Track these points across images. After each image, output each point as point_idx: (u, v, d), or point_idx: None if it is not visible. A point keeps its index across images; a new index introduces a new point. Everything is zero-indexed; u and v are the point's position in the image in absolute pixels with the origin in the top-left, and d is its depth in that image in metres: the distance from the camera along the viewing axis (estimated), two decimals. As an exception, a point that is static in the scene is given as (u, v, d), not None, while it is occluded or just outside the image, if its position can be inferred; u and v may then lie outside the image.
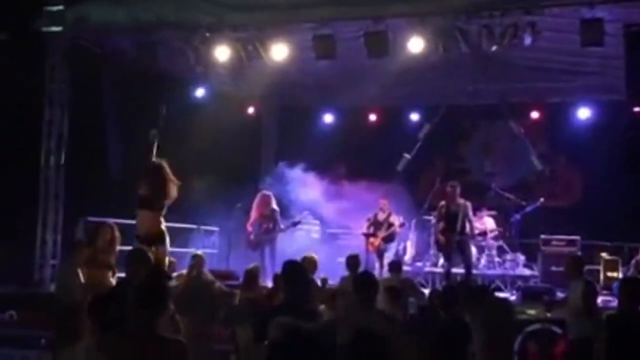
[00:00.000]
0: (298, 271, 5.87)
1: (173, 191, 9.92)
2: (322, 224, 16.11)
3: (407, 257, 15.16)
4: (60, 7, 12.61)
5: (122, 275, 7.97)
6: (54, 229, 12.65)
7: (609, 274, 13.42)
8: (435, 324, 7.30)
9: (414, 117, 17.69)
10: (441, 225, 13.06)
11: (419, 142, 16.91)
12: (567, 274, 9.19)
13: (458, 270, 13.25)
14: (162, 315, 4.36)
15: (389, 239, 13.98)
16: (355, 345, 1.96)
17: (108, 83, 13.39)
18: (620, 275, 13.07)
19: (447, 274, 13.10)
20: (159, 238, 9.66)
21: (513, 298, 12.42)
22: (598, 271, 13.38)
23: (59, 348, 8.27)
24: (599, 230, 14.42)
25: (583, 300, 8.51)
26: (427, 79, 14.56)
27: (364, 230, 14.09)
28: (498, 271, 14.56)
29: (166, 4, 12.32)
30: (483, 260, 14.79)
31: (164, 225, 9.89)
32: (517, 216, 14.88)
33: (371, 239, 13.91)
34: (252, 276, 9.79)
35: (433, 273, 14.49)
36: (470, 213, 13.05)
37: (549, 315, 10.18)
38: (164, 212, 9.93)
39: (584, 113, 16.38)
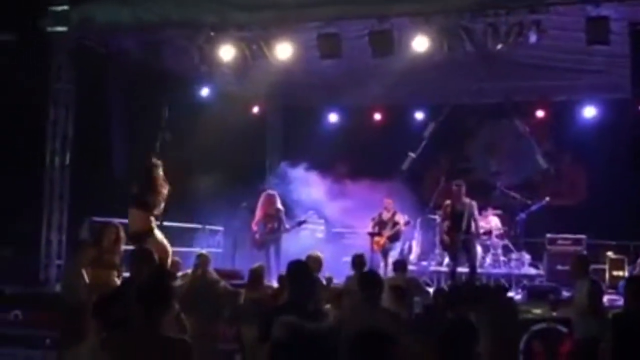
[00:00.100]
0: (303, 271, 5.86)
1: (163, 192, 10.08)
2: (327, 224, 16.11)
3: (413, 257, 15.15)
4: (65, 7, 12.61)
5: (128, 275, 7.98)
6: (58, 229, 12.66)
7: (615, 273, 13.41)
8: (441, 324, 7.28)
9: (419, 116, 17.66)
10: (446, 224, 13.05)
11: (424, 141, 16.91)
12: (573, 273, 9.18)
13: (463, 269, 13.23)
14: (166, 314, 4.36)
15: (394, 238, 13.97)
16: (360, 345, 1.94)
17: (113, 83, 13.39)
18: (626, 274, 13.05)
19: (453, 273, 13.09)
20: (146, 236, 9.72)
21: (518, 297, 12.40)
22: (604, 270, 13.37)
23: (64, 348, 8.27)
24: (605, 229, 14.39)
25: (589, 299, 8.50)
26: (432, 78, 14.51)
27: (369, 229, 14.08)
28: (503, 270, 14.54)
29: (170, 3, 12.32)
30: (488, 259, 14.77)
31: (154, 223, 10.06)
32: (523, 215, 14.85)
33: (376, 238, 13.89)
34: (257, 276, 9.79)
35: (438, 272, 14.48)
36: (476, 212, 13.04)
37: (554, 314, 10.15)
38: (155, 211, 10.06)
39: (589, 112, 16.34)
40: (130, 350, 4.25)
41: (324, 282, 9.73)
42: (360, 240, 14.52)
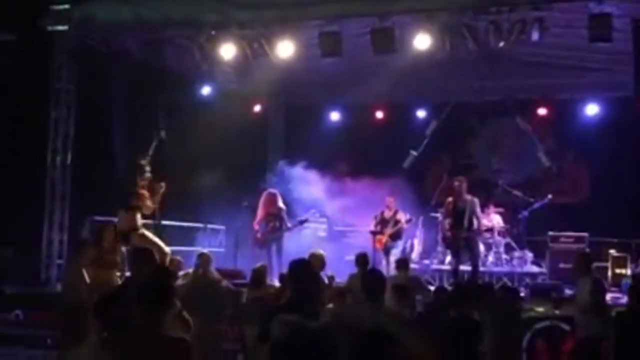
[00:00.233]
0: (305, 269, 5.83)
1: (143, 193, 10.47)
2: (329, 222, 16.08)
3: (415, 255, 15.12)
4: (66, 6, 12.60)
5: (129, 274, 7.97)
6: (60, 229, 12.65)
7: (617, 270, 13.40)
8: (443, 322, 7.26)
9: (421, 114, 17.62)
10: (448, 221, 13.03)
11: (426, 139, 16.88)
12: (576, 271, 9.16)
13: (466, 267, 13.21)
14: (167, 313, 4.33)
15: (395, 236, 13.94)
16: (361, 345, 1.92)
17: (114, 82, 13.37)
18: (629, 272, 13.03)
19: (455, 272, 13.06)
20: (130, 236, 9.96)
21: (521, 295, 12.37)
22: (606, 268, 13.35)
23: (65, 348, 8.28)
24: (607, 227, 14.35)
25: (591, 297, 8.48)
26: (434, 75, 14.49)
27: (371, 227, 14.06)
28: (506, 268, 14.51)
29: (171, 2, 12.31)
30: (491, 258, 14.73)
31: (140, 223, 10.39)
32: (525, 213, 14.82)
33: (378, 237, 13.86)
34: (259, 275, 9.77)
35: (440, 270, 14.46)
36: (478, 209, 13.01)
37: (557, 312, 10.13)
38: (143, 211, 10.47)
39: (592, 109, 16.29)
40: (131, 350, 4.23)
41: (326, 280, 9.70)
42: (362, 239, 14.49)
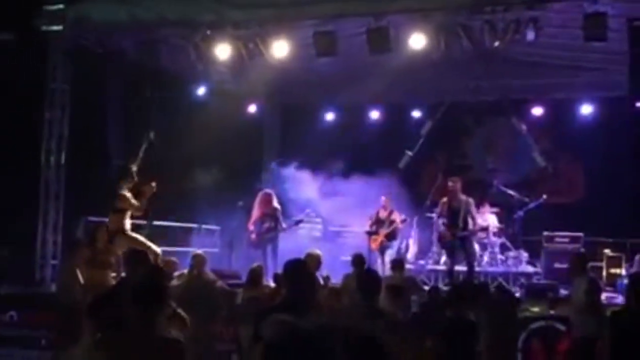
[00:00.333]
0: (300, 269, 5.81)
1: (124, 195, 10.50)
2: (324, 222, 16.06)
3: (410, 255, 15.11)
4: (61, 6, 12.57)
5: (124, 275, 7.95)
6: (54, 229, 12.62)
7: (612, 270, 13.41)
8: (439, 322, 7.25)
9: (416, 114, 17.62)
10: (443, 221, 13.01)
11: (421, 139, 16.88)
12: (571, 271, 9.16)
13: (461, 267, 13.20)
14: (161, 315, 4.32)
15: (391, 236, 13.93)
16: (354, 348, 1.91)
17: (109, 82, 13.34)
18: (623, 272, 13.03)
19: (450, 272, 13.05)
20: (116, 236, 9.94)
21: (517, 297, 12.36)
22: (601, 268, 13.35)
23: (59, 348, 8.24)
24: (602, 227, 14.37)
25: (587, 297, 8.48)
26: (429, 75, 14.49)
27: (366, 228, 14.05)
28: (501, 268, 14.51)
29: (166, 2, 12.28)
30: (486, 258, 14.73)
31: (127, 224, 10.47)
32: (520, 213, 14.82)
33: (373, 237, 13.85)
34: (256, 275, 9.75)
35: (436, 271, 14.45)
36: (473, 209, 13.00)
37: (552, 312, 10.13)
38: (133, 212, 10.56)
39: (586, 109, 16.30)
40: (125, 351, 4.22)
41: (322, 281, 9.69)
42: (357, 239, 14.49)
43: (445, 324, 6.82)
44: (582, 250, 13.30)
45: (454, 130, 17.79)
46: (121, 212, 10.52)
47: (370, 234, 13.90)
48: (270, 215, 13.54)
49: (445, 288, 11.36)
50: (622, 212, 14.90)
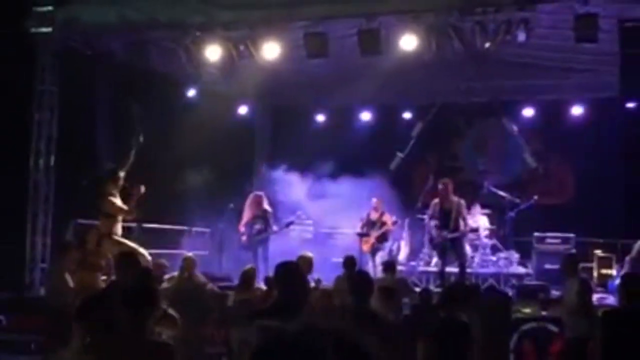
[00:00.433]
0: (292, 272, 5.77)
1: (112, 201, 10.49)
2: (315, 224, 16.03)
3: (401, 257, 15.09)
4: (50, 8, 12.48)
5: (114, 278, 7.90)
6: (43, 232, 12.53)
7: (603, 271, 13.43)
8: (430, 324, 7.22)
9: (407, 115, 17.61)
10: (435, 223, 13.00)
11: (412, 141, 16.86)
12: (563, 272, 9.17)
13: (452, 269, 13.19)
14: (151, 318, 4.28)
15: (382, 238, 13.92)
16: (341, 352, 1.89)
17: (98, 84, 13.27)
18: (614, 272, 13.05)
19: (442, 273, 13.03)
20: (104, 241, 9.98)
21: (510, 296, 12.35)
22: (592, 268, 13.36)
23: (49, 352, 8.17)
24: (593, 228, 14.39)
25: (578, 298, 8.48)
26: (420, 77, 14.49)
27: (357, 230, 14.03)
28: (492, 269, 14.50)
29: (156, 4, 12.21)
30: (477, 259, 14.72)
31: (115, 228, 10.46)
32: (511, 214, 14.82)
33: (365, 239, 13.83)
34: (248, 277, 9.72)
35: (427, 272, 14.43)
36: (464, 211, 13.00)
37: (544, 313, 10.12)
38: (124, 216, 10.60)
39: (577, 110, 16.32)
40: (115, 354, 4.19)
41: (313, 284, 9.65)
42: (348, 241, 14.47)
43: (438, 326, 6.79)
44: (573, 251, 13.31)
45: (445, 132, 17.80)
46: (112, 217, 10.48)
47: (361, 235, 13.88)
48: (261, 217, 13.52)
49: (436, 290, 11.35)
50: (612, 212, 14.94)
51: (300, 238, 15.35)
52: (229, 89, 16.06)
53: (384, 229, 13.88)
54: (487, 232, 15.02)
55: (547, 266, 13.65)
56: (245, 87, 15.69)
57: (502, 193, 15.24)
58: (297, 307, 5.37)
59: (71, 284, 8.77)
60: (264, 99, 17.89)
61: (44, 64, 12.76)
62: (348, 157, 16.69)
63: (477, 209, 15.12)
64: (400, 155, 16.70)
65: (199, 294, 9.66)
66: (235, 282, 10.55)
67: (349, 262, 10.51)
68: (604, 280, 13.04)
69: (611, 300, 11.52)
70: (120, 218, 10.62)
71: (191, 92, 15.44)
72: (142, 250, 10.41)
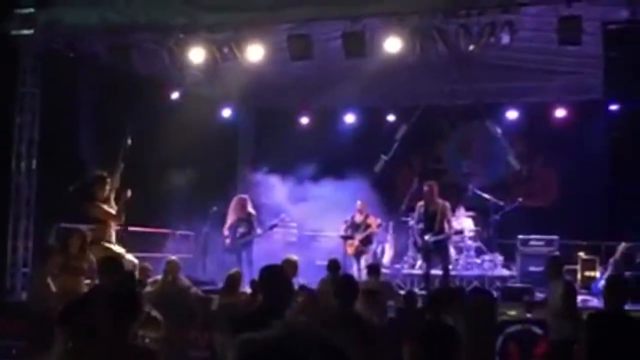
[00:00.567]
0: (277, 276, 5.74)
1: (101, 207, 10.47)
2: (299, 227, 15.99)
3: (386, 260, 15.08)
4: (31, 10, 12.37)
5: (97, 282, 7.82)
6: (25, 236, 12.41)
7: (587, 273, 13.49)
8: (415, 327, 7.21)
9: (391, 118, 17.59)
10: (419, 225, 12.99)
11: (396, 143, 16.86)
12: (548, 275, 9.18)
13: (437, 271, 13.18)
14: (135, 323, 4.22)
15: (366, 241, 13.90)
16: (326, 355, 1.86)
17: (81, 86, 13.17)
18: (598, 275, 13.09)
19: (426, 276, 13.02)
20: (94, 247, 9.86)
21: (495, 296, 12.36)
22: (575, 271, 13.40)
23: (31, 357, 8.09)
24: (577, 230, 14.44)
25: (563, 300, 8.50)
26: (404, 79, 14.49)
27: (341, 232, 14.01)
28: (476, 272, 14.52)
29: (139, 5, 12.12)
30: (461, 261, 14.74)
31: (108, 236, 10.47)
32: (496, 217, 14.85)
33: (349, 242, 13.81)
34: (233, 280, 9.68)
35: (411, 275, 14.42)
36: (449, 213, 13.00)
37: (529, 315, 10.12)
38: (111, 222, 10.57)
39: (561, 113, 16.36)
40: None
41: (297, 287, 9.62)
42: (332, 244, 14.45)
43: (423, 328, 6.78)
44: (557, 253, 13.34)
45: (429, 134, 17.81)
46: (102, 222, 10.42)
47: (345, 238, 13.86)
48: (244, 220, 13.47)
49: (421, 292, 11.34)
50: (596, 215, 15.00)
51: (284, 241, 15.31)
52: (212, 92, 16.00)
53: (368, 231, 13.86)
54: (471, 235, 15.04)
55: (532, 268, 13.68)
56: (229, 89, 15.63)
57: (486, 195, 15.26)
58: (282, 310, 5.34)
59: (54, 288, 8.69)
60: (247, 101, 17.83)
61: (26, 66, 12.65)
62: (332, 159, 16.68)
63: (461, 211, 15.14)
64: (384, 157, 16.70)
65: (183, 297, 9.61)
66: (219, 285, 10.50)
67: (333, 265, 10.50)
68: (587, 283, 13.09)
69: (595, 302, 11.55)
70: (111, 223, 10.55)
71: (175, 95, 15.36)
72: (130, 256, 10.34)
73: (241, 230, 13.42)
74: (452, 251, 14.00)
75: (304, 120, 18.23)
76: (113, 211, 10.55)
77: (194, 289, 10.01)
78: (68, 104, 13.03)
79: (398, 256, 15.32)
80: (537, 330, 9.71)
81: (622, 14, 10.37)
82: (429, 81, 15.02)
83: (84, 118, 13.33)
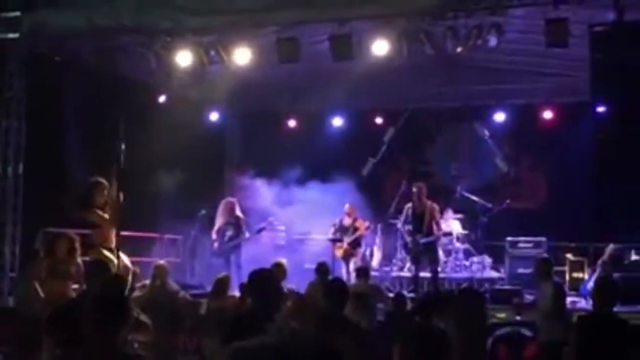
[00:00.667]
0: (266, 279, 5.71)
1: (97, 213, 10.40)
2: (287, 230, 15.96)
3: (374, 262, 15.07)
4: (17, 14, 12.27)
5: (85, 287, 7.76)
6: (12, 241, 12.29)
7: (575, 274, 13.53)
8: (405, 330, 7.18)
9: (379, 120, 17.60)
10: (408, 227, 12.99)
11: (384, 146, 16.86)
12: (537, 276, 9.17)
13: (426, 274, 13.18)
14: (123, 329, 4.17)
15: (355, 244, 13.89)
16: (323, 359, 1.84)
17: (68, 90, 13.10)
18: (586, 276, 13.12)
19: (415, 278, 13.02)
20: (90, 250, 9.92)
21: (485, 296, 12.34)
22: (564, 272, 13.42)
23: (18, 363, 8.03)
24: (565, 231, 14.48)
25: (552, 302, 8.50)
26: (392, 82, 14.51)
27: (330, 235, 13.99)
28: (465, 274, 14.54)
29: (126, 9, 12.05)
30: (450, 264, 14.75)
31: (105, 239, 10.36)
32: (484, 219, 14.86)
33: (338, 245, 13.79)
34: (222, 284, 9.65)
35: (400, 277, 14.42)
36: (438, 215, 13.01)
37: (518, 317, 10.12)
38: (109, 227, 10.42)
39: (548, 115, 16.40)
40: (86, 367, 4.07)
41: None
42: (321, 247, 14.42)
43: (413, 331, 6.74)
44: (546, 255, 13.35)
45: (417, 137, 17.82)
46: (100, 227, 10.35)
47: (334, 241, 13.84)
48: (233, 223, 13.42)
49: (409, 295, 11.32)
50: (584, 216, 15.04)
51: (272, 244, 15.27)
52: (199, 95, 15.96)
53: (357, 234, 13.86)
54: (459, 237, 15.06)
55: (520, 270, 13.71)
56: (216, 92, 15.58)
57: (474, 198, 15.29)
58: (271, 314, 5.31)
59: (41, 293, 8.62)
60: (235, 104, 17.77)
61: (12, 70, 12.54)
62: (320, 162, 16.66)
63: (449, 213, 15.16)
64: (372, 160, 16.71)
65: (172, 302, 9.58)
66: (208, 289, 10.46)
67: (322, 269, 10.49)
68: (575, 284, 13.11)
69: (583, 303, 11.59)
70: (110, 227, 10.45)
71: (161, 98, 15.31)
72: (126, 260, 10.24)
73: (229, 233, 13.37)
74: (440, 253, 14.00)
75: (292, 123, 18.21)
76: (107, 215, 10.47)
77: (182, 293, 9.97)
78: (54, 108, 12.95)
79: (387, 259, 15.32)
80: (527, 332, 9.71)
81: (608, 16, 10.38)
82: (417, 84, 15.04)
83: (70, 122, 13.25)
